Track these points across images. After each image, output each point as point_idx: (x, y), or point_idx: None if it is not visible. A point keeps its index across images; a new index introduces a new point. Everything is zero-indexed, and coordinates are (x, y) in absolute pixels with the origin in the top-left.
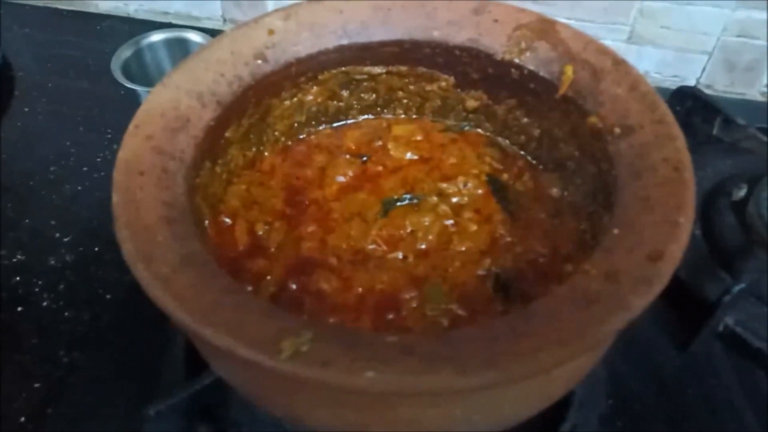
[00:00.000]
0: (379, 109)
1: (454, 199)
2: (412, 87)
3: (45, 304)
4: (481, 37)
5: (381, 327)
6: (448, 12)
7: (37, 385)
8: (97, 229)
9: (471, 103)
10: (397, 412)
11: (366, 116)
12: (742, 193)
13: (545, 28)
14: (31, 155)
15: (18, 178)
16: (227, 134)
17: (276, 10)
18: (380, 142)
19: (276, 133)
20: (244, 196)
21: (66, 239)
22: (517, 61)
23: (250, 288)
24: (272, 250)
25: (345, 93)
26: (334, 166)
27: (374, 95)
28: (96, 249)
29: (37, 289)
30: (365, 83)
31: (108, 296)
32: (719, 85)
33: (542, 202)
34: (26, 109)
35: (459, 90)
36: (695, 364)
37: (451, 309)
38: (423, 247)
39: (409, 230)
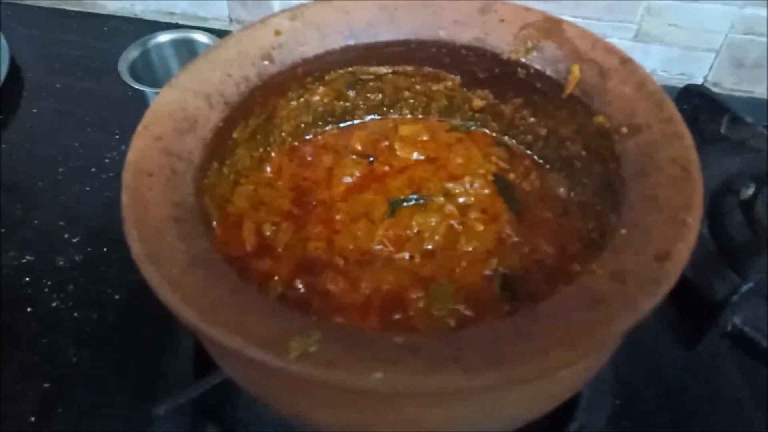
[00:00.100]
0: (385, 109)
1: (461, 199)
2: (418, 87)
3: (54, 304)
4: (488, 36)
5: (388, 327)
6: (454, 11)
7: (45, 384)
8: (105, 230)
9: (477, 103)
10: (403, 411)
11: (372, 116)
12: (749, 191)
13: (551, 27)
14: (38, 156)
15: (26, 178)
16: (234, 135)
17: (282, 11)
18: (387, 143)
19: (283, 134)
20: (252, 196)
21: (74, 240)
22: (523, 60)
23: (257, 288)
24: (279, 250)
25: (351, 93)
26: (340, 167)
27: (380, 95)
28: (104, 249)
29: (46, 290)
30: (371, 83)
31: (116, 296)
32: (726, 83)
33: (549, 201)
34: (34, 110)
35: (465, 89)
36: (702, 364)
37: (457, 309)
38: (429, 247)
39: (415, 230)
